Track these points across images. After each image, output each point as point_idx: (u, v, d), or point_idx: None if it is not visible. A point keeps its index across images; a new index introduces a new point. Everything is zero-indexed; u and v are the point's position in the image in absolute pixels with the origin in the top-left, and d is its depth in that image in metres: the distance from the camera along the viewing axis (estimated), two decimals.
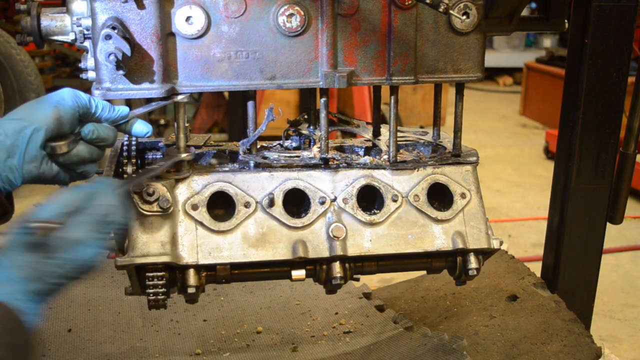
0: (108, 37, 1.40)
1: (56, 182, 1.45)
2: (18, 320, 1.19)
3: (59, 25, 1.56)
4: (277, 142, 1.89)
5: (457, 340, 1.93)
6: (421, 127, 6.19)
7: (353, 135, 2.01)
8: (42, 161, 1.39)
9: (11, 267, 1.23)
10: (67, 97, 1.41)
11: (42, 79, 5.13)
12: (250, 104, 1.68)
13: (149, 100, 1.56)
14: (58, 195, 1.30)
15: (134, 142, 1.75)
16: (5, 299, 1.21)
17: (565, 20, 1.75)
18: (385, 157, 1.76)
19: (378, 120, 1.92)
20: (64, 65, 6.75)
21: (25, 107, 1.39)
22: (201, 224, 1.56)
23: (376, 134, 1.90)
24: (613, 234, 4.32)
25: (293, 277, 1.64)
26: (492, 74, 10.29)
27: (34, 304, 1.24)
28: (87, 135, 1.42)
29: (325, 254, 1.62)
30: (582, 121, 2.08)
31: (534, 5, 6.54)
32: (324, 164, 1.69)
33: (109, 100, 1.53)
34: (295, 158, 1.72)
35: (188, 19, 1.50)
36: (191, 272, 1.56)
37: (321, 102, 1.66)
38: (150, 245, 1.52)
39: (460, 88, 1.76)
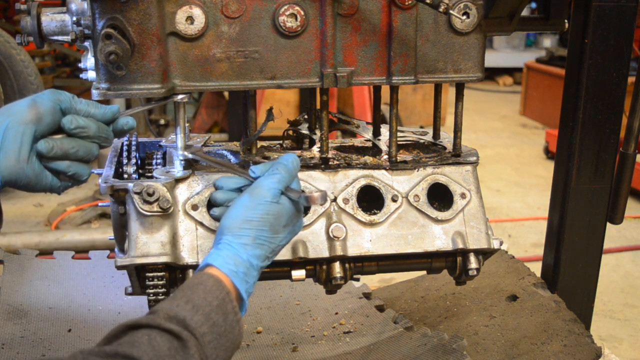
0: (108, 37, 1.40)
1: (44, 186, 1.37)
2: (233, 302, 1.24)
3: (59, 25, 1.56)
4: (277, 142, 1.90)
5: (457, 340, 1.93)
6: (421, 127, 6.19)
7: (353, 135, 2.01)
8: (20, 155, 1.31)
9: (249, 245, 1.31)
10: (45, 92, 1.37)
11: (42, 79, 5.13)
12: (250, 104, 1.68)
13: (148, 100, 1.56)
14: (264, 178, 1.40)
15: (134, 142, 1.75)
16: (233, 279, 1.28)
17: (565, 20, 1.75)
18: (385, 157, 1.76)
19: (378, 120, 1.92)
20: (64, 65, 6.74)
21: (2, 108, 1.36)
22: (201, 224, 1.56)
23: (376, 134, 1.90)
24: (613, 234, 4.32)
25: (293, 277, 1.64)
26: (492, 74, 10.28)
27: (253, 287, 1.32)
28: (65, 125, 1.36)
29: (325, 254, 1.62)
30: (582, 121, 2.08)
31: (534, 5, 6.54)
32: (324, 164, 1.69)
33: (107, 101, 1.52)
34: None
35: (188, 19, 1.50)
36: (191, 272, 1.56)
37: (321, 102, 1.66)
38: (150, 245, 1.52)
39: (460, 88, 1.76)
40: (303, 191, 1.42)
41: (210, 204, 1.55)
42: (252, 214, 1.33)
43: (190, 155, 1.61)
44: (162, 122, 6.21)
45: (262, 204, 1.34)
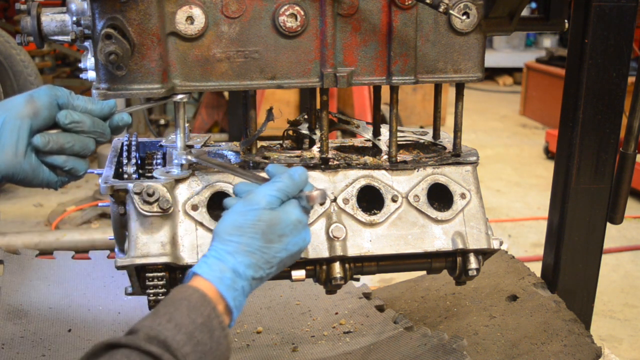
0: (108, 37, 1.40)
1: (41, 181, 1.37)
2: (219, 317, 1.18)
3: (59, 25, 1.56)
4: (277, 142, 1.90)
5: (457, 340, 1.93)
6: (421, 127, 6.19)
7: (353, 135, 2.01)
8: (17, 149, 1.31)
9: (238, 252, 1.24)
10: (42, 88, 1.38)
11: (42, 79, 5.13)
12: (250, 104, 1.68)
13: (148, 99, 1.56)
14: (268, 183, 1.32)
15: (134, 142, 1.75)
16: (219, 286, 1.21)
17: (565, 20, 1.75)
18: (385, 157, 1.76)
19: (378, 120, 1.92)
20: (64, 65, 6.74)
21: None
22: (201, 224, 1.56)
23: (376, 134, 1.90)
24: (613, 234, 4.32)
25: (293, 278, 1.64)
26: (492, 74, 10.28)
27: (243, 297, 1.25)
28: (60, 120, 1.36)
29: (325, 254, 1.62)
30: (582, 121, 2.08)
31: (534, 5, 6.55)
32: (324, 164, 1.69)
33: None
34: (295, 158, 1.72)
35: (188, 19, 1.50)
36: None
37: (321, 102, 1.66)
38: (150, 245, 1.52)
39: (460, 88, 1.76)
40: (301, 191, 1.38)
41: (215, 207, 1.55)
42: (243, 220, 1.26)
43: (194, 160, 1.60)
44: (162, 122, 6.21)
45: (254, 210, 1.26)
